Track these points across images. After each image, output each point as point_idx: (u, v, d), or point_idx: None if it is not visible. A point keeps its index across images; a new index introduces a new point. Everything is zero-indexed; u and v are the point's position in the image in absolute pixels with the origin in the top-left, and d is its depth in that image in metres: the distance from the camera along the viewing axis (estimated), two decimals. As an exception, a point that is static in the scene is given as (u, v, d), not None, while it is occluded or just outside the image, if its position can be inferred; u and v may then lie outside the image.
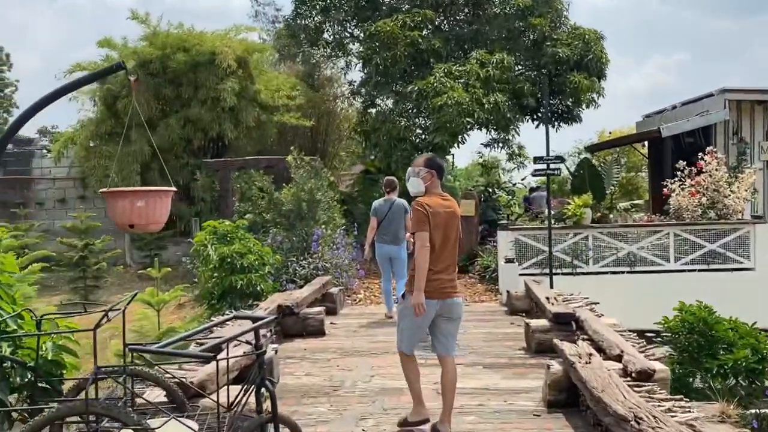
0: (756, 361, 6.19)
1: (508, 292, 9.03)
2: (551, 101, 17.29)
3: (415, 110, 14.80)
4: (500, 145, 15.45)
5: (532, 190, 19.75)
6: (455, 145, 14.17)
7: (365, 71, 16.60)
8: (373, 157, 17.87)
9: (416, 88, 14.20)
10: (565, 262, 11.02)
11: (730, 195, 11.00)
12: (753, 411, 5.55)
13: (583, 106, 17.22)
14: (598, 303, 7.71)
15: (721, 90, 12.91)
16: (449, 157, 20.54)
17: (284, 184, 11.64)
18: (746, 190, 11.05)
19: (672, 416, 3.82)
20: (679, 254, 10.89)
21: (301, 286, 9.60)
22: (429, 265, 4.31)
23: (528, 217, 15.00)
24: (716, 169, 11.05)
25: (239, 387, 3.33)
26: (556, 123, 17.67)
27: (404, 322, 4.54)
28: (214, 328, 4.74)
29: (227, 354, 3.31)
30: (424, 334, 4.60)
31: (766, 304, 10.76)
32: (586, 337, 6.26)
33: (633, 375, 4.79)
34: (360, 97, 19.14)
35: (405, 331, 4.54)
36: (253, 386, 3.30)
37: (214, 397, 3.44)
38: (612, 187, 17.28)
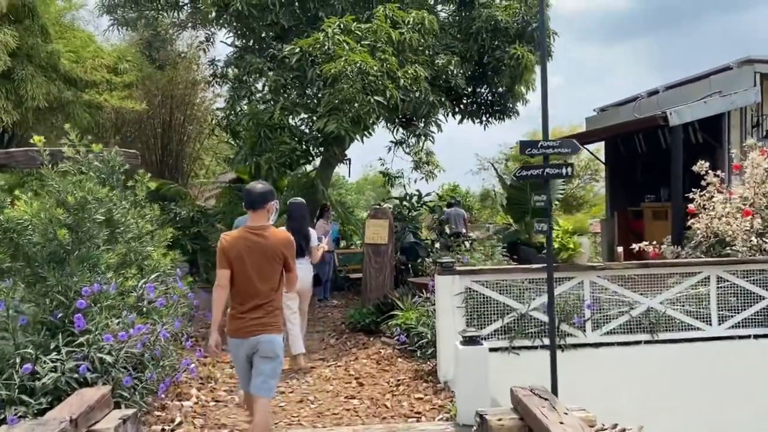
0: None
1: (482, 419, 4.30)
2: (478, 88, 13.05)
3: (297, 83, 9.86)
4: (420, 139, 10.78)
5: (449, 205, 15.36)
6: (358, 136, 9.34)
7: (221, 26, 11.46)
8: (241, 159, 12.60)
9: (297, 49, 9.31)
10: (546, 327, 6.51)
11: (789, 214, 6.96)
12: None
13: (521, 94, 13.22)
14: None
15: (747, 60, 9.00)
16: (343, 166, 15.72)
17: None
18: (811, 207, 7.06)
19: None
20: (725, 311, 6.70)
21: (38, 414, 4.44)
22: (234, 303, 4.20)
23: (455, 244, 10.45)
24: (770, 172, 6.99)
25: None
26: (483, 117, 13.43)
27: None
28: None
29: None
30: (249, 372, 4.29)
31: None
32: None
33: None
34: (227, 82, 14.06)
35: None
36: None
37: None
38: (557, 202, 13.27)
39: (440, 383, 6.33)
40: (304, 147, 9.87)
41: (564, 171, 5.14)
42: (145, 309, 5.91)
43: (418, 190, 10.52)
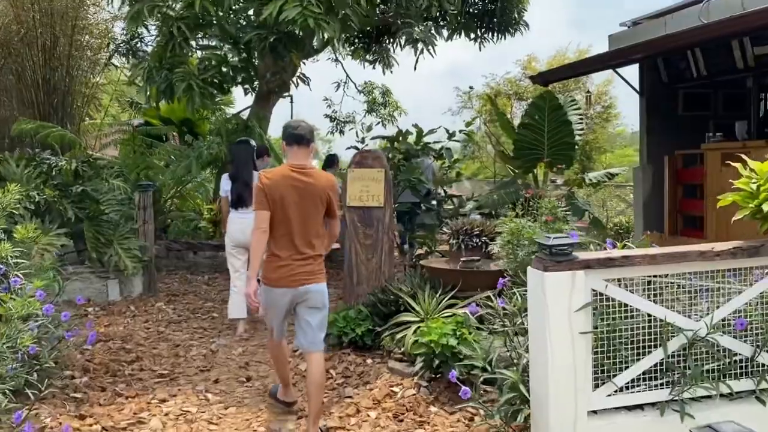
0: None
1: None
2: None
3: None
4: (415, 51, 7.31)
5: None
6: (334, 32, 5.79)
7: None
8: (143, 75, 8.17)
9: None
10: (732, 360, 3.47)
11: None
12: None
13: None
14: None
15: None
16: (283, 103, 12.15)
17: None
18: None
19: None
20: None
21: None
22: (275, 250, 3.74)
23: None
24: None
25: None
26: (478, 31, 10.22)
27: (262, 309, 4.05)
28: None
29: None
30: (284, 321, 3.95)
31: None
32: None
33: None
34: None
35: (266, 317, 4.07)
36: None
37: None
38: (577, 146, 10.29)
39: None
40: (242, 54, 6.25)
41: None
42: None
43: (415, 125, 7.15)
